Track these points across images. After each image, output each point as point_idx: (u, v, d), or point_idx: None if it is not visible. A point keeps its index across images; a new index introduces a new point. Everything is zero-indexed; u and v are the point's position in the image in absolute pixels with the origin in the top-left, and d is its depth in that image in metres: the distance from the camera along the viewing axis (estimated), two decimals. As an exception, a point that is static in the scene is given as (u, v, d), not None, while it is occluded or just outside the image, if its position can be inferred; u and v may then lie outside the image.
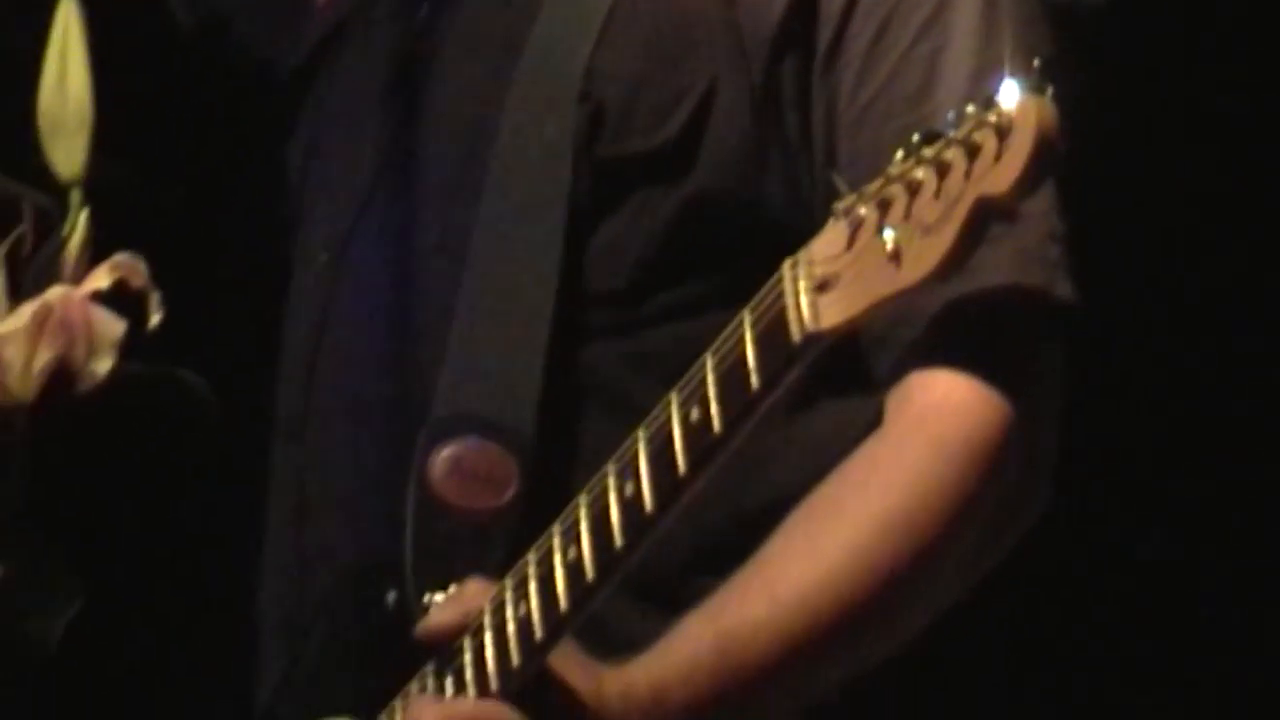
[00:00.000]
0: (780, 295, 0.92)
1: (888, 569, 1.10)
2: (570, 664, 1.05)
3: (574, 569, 1.00)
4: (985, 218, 0.85)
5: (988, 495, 1.11)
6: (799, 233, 1.00)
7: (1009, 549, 1.14)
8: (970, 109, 0.85)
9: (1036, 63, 0.85)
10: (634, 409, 1.06)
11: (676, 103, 1.17)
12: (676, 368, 1.02)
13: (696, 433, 0.96)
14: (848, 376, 1.14)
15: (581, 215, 1.15)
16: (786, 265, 0.91)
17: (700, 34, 1.16)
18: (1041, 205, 1.09)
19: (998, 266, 1.07)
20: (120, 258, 0.97)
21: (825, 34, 1.16)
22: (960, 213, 0.84)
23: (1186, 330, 1.80)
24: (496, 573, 1.08)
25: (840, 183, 0.92)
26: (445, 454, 1.15)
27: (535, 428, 1.15)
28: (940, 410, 1.12)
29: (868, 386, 1.17)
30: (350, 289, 1.26)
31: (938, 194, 0.84)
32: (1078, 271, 1.14)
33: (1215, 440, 1.81)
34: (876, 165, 0.96)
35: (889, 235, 0.86)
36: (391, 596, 1.14)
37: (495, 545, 1.14)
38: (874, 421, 1.14)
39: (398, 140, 1.26)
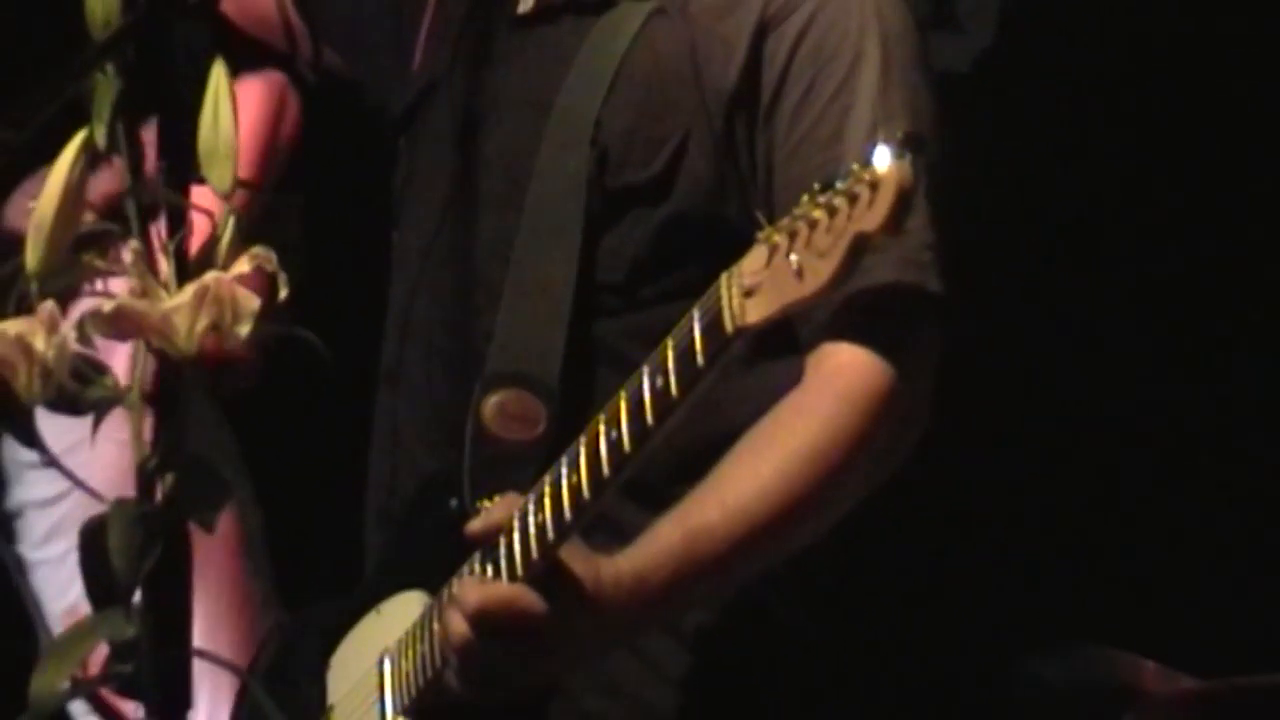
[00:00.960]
0: (718, 298, 1.25)
1: (806, 487, 1.47)
2: (575, 557, 1.40)
3: (575, 489, 1.36)
4: (861, 247, 1.17)
5: (878, 434, 1.50)
6: (748, 239, 1.32)
7: (894, 469, 1.49)
8: (854, 167, 1.16)
9: (899, 134, 1.16)
10: (631, 368, 1.40)
11: (660, 148, 1.57)
12: (661, 339, 1.37)
13: (659, 395, 1.31)
14: (780, 344, 1.49)
15: (592, 228, 1.54)
16: (723, 276, 1.25)
17: (676, 95, 1.55)
18: (918, 222, 1.45)
19: (885, 268, 1.44)
20: (258, 250, 1.31)
21: (766, 95, 1.56)
22: (843, 244, 1.17)
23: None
24: (529, 488, 1.43)
25: (760, 218, 1.25)
26: (493, 400, 1.53)
27: (559, 382, 1.53)
28: (844, 371, 1.49)
29: (794, 351, 1.53)
30: (431, 277, 1.68)
31: (829, 229, 1.16)
32: (949, 272, 1.48)
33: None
34: (800, 192, 1.27)
35: (794, 258, 1.19)
36: (454, 502, 1.50)
37: (528, 467, 1.51)
38: (797, 377, 1.52)
39: (463, 172, 1.66)
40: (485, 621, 1.40)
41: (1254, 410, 2.58)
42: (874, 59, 1.52)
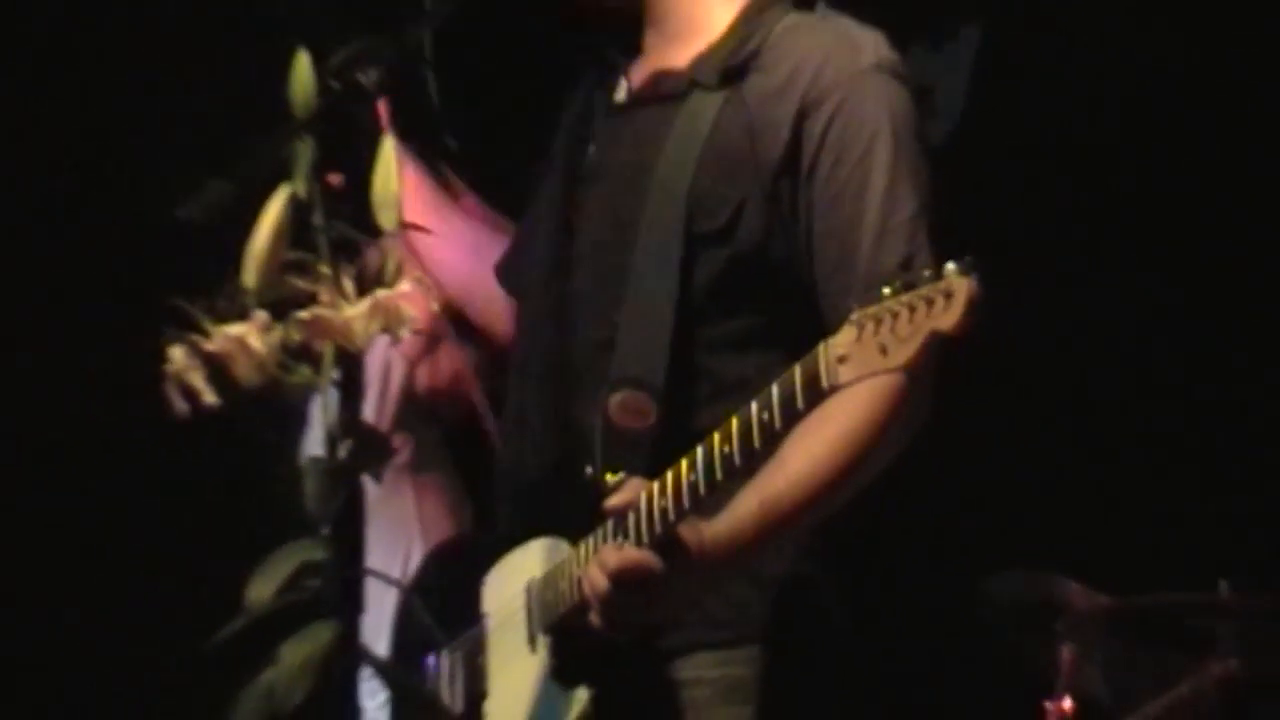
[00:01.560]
0: (816, 361, 1.64)
1: (848, 462, 1.87)
2: (688, 528, 1.81)
3: (694, 486, 1.77)
4: (935, 341, 1.52)
5: (895, 422, 1.87)
6: (791, 273, 1.83)
7: (904, 448, 1.92)
8: (926, 274, 1.53)
9: (966, 257, 1.51)
10: (707, 375, 1.94)
11: (726, 205, 1.96)
12: (724, 349, 1.93)
13: (765, 426, 1.71)
14: (782, 339, 1.94)
15: (685, 264, 1.94)
16: (821, 346, 1.63)
17: (739, 165, 1.97)
18: (914, 244, 1.91)
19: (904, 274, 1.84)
20: (415, 274, 1.74)
21: (805, 163, 1.96)
22: (920, 336, 1.51)
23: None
24: (642, 465, 1.88)
25: (854, 307, 1.59)
26: (617, 398, 1.93)
27: (665, 385, 1.94)
28: (871, 382, 1.80)
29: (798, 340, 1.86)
30: (548, 304, 2.12)
31: (910, 321, 1.52)
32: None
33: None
34: (836, 239, 1.84)
35: (880, 340, 1.55)
36: (589, 470, 1.94)
37: (642, 449, 1.92)
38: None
39: (571, 223, 2.12)
40: (621, 578, 1.81)
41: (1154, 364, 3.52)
42: (886, 136, 1.93)
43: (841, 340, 1.61)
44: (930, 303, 1.52)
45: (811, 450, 1.85)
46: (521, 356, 2.17)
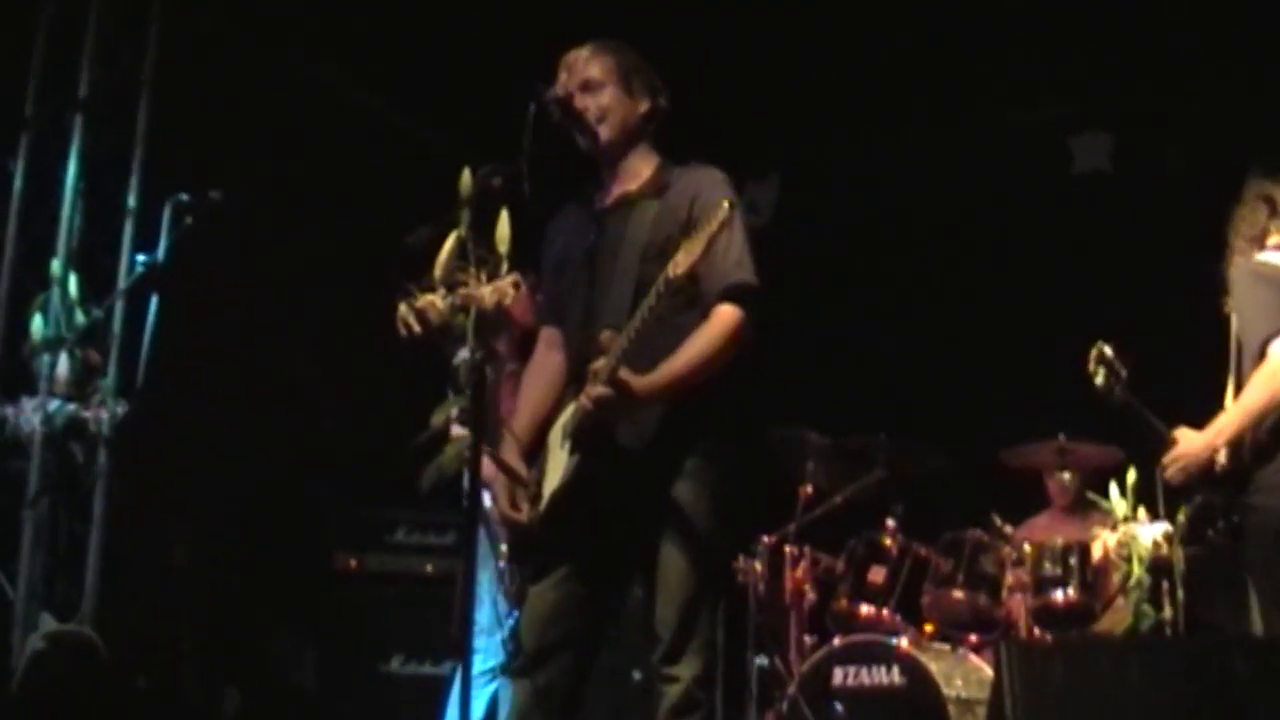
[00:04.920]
0: (675, 265, 3.58)
1: (708, 359, 3.79)
2: (627, 373, 3.69)
3: (624, 351, 3.70)
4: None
5: (738, 339, 3.81)
6: (695, 278, 3.70)
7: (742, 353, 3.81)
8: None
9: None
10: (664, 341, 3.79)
11: (662, 247, 3.76)
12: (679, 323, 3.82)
13: (651, 309, 3.64)
14: (696, 308, 3.84)
15: (640, 276, 3.80)
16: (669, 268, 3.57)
17: (667, 229, 3.84)
18: (748, 260, 3.85)
19: (738, 275, 3.81)
20: (514, 276, 3.66)
21: (695, 224, 3.73)
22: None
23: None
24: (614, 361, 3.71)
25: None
26: (605, 333, 3.76)
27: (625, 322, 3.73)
28: (724, 314, 3.79)
29: (702, 310, 3.82)
30: (579, 316, 4.02)
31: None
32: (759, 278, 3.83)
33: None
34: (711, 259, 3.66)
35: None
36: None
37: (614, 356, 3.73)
38: (704, 318, 3.84)
39: (591, 270, 3.99)
40: (596, 398, 3.67)
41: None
42: (732, 219, 3.65)
43: (675, 266, 3.53)
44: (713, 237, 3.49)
45: (693, 346, 3.77)
46: (570, 332, 4.08)
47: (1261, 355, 4.40)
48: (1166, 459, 4.56)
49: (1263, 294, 4.46)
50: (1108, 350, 4.77)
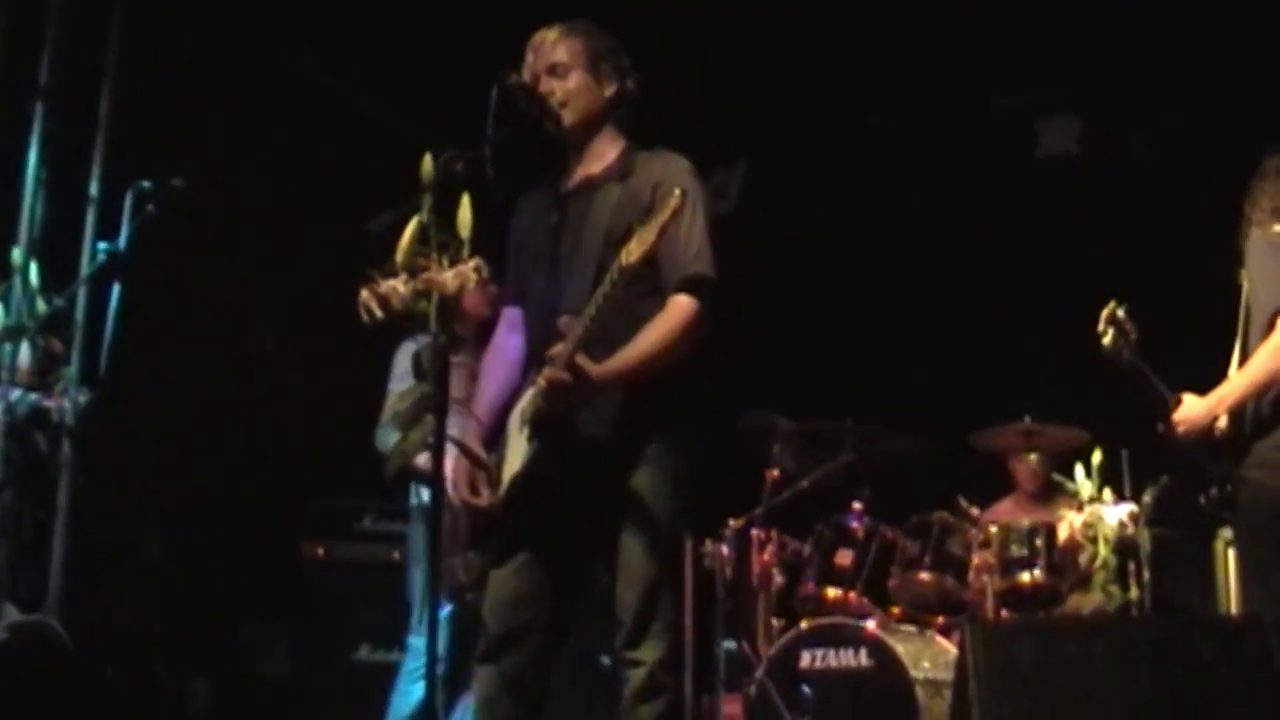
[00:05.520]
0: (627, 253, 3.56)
1: (664, 347, 3.78)
2: (583, 359, 3.68)
3: (579, 337, 3.69)
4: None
5: (693, 329, 3.80)
6: (655, 262, 3.69)
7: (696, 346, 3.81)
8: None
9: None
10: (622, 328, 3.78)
11: (626, 234, 3.65)
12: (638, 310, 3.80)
13: (607, 296, 3.65)
14: (658, 294, 3.84)
15: (601, 259, 3.77)
16: (622, 254, 3.56)
17: (628, 214, 3.80)
18: (707, 251, 3.84)
19: (695, 267, 3.80)
20: (475, 261, 3.65)
21: (656, 209, 3.67)
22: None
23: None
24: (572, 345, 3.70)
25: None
26: (564, 318, 3.73)
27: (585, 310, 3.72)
28: (681, 303, 3.77)
29: (663, 298, 3.80)
30: (540, 298, 4.01)
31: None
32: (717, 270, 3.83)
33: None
34: (670, 247, 3.72)
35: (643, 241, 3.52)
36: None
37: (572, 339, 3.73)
38: (662, 307, 3.83)
39: (553, 250, 4.00)
40: (551, 379, 3.66)
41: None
42: (692, 201, 3.73)
43: (627, 255, 3.52)
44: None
45: (648, 336, 3.76)
46: (530, 314, 4.08)
47: (1270, 326, 4.41)
48: (1176, 417, 4.56)
49: (1276, 265, 4.47)
50: (1120, 311, 4.76)
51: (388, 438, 5.87)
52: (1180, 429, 4.55)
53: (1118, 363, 4.74)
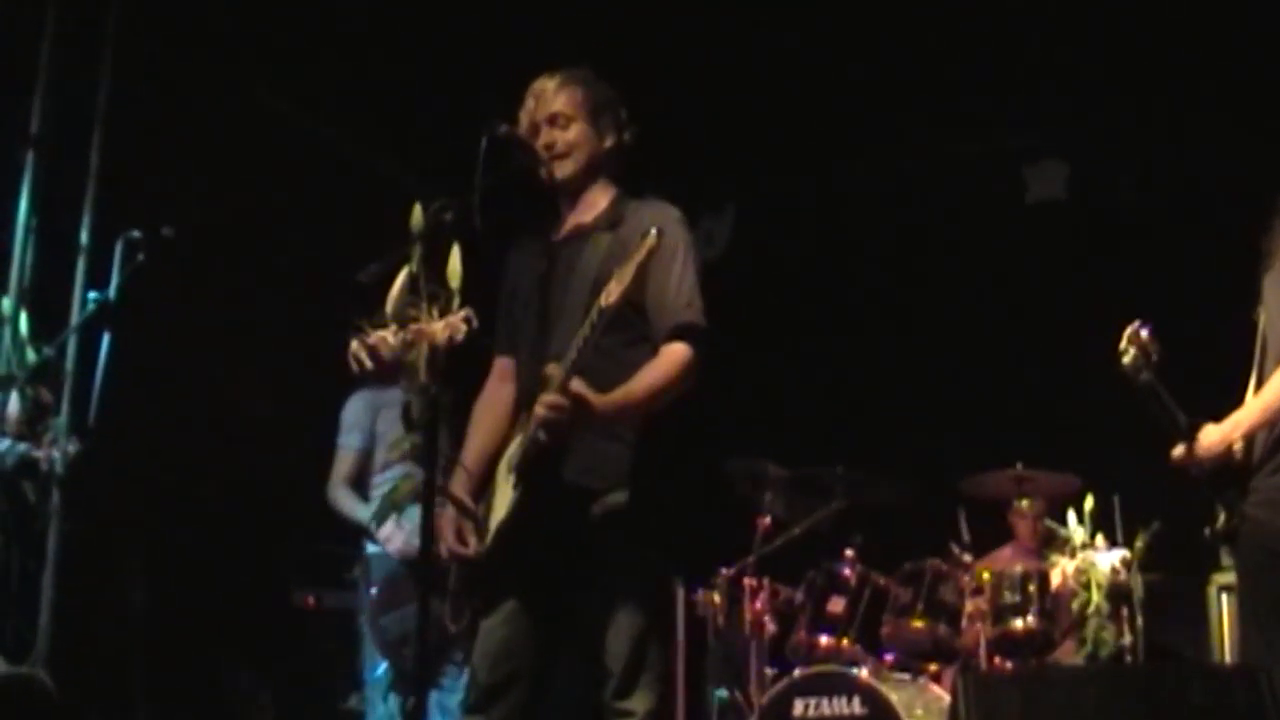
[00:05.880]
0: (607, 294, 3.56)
1: (660, 388, 3.78)
2: (586, 389, 3.66)
3: (572, 364, 3.69)
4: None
5: (686, 374, 3.80)
6: (643, 310, 3.76)
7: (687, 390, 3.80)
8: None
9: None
10: (600, 354, 3.70)
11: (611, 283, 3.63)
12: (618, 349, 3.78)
13: (585, 340, 3.64)
14: (647, 342, 3.85)
15: (587, 310, 3.70)
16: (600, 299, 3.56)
17: (616, 263, 3.68)
18: (696, 300, 3.84)
19: (686, 315, 3.80)
20: (465, 311, 3.65)
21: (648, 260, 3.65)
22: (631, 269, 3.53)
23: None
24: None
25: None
26: (551, 366, 3.72)
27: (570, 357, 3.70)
28: (674, 350, 3.77)
29: (652, 346, 3.81)
30: (529, 348, 4.00)
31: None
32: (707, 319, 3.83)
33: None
34: (659, 294, 3.77)
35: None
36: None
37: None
38: (653, 354, 3.83)
39: (543, 298, 3.98)
40: (549, 404, 3.63)
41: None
42: (682, 249, 3.81)
43: (606, 298, 3.54)
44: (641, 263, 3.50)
45: (649, 375, 3.76)
46: (521, 359, 4.08)
47: None
48: (1198, 449, 4.54)
49: None
50: (1144, 332, 4.72)
51: (343, 497, 5.92)
52: (1200, 453, 4.51)
53: (1134, 383, 4.70)
